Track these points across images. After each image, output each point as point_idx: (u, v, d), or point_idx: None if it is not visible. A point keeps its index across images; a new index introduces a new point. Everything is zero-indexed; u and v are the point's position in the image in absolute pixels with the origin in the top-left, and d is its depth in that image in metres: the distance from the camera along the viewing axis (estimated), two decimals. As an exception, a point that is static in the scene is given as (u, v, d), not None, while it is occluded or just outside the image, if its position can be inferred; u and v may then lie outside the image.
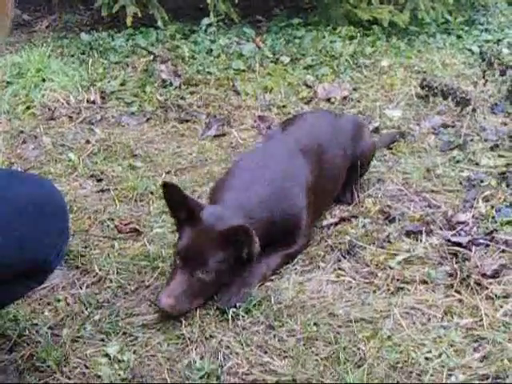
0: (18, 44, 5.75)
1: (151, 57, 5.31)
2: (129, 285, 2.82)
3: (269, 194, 2.94)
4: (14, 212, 2.08)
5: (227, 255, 2.70)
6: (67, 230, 2.30)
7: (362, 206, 3.37)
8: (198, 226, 2.73)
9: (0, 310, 2.49)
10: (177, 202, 2.78)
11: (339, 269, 2.91)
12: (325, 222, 3.23)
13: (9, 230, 2.02)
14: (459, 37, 6.29)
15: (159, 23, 5.86)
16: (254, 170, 3.06)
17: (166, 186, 2.80)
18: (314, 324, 2.54)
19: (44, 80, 4.83)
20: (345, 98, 4.78)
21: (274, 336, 2.50)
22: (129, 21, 5.73)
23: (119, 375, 2.34)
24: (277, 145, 3.29)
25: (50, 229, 2.09)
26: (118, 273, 2.88)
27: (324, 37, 5.80)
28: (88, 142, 4.15)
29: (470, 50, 5.90)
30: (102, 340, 2.51)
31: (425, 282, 2.81)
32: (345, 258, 2.97)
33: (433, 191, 3.52)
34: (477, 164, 3.82)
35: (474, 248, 2.98)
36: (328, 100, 4.74)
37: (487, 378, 2.31)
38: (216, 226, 2.72)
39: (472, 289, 2.74)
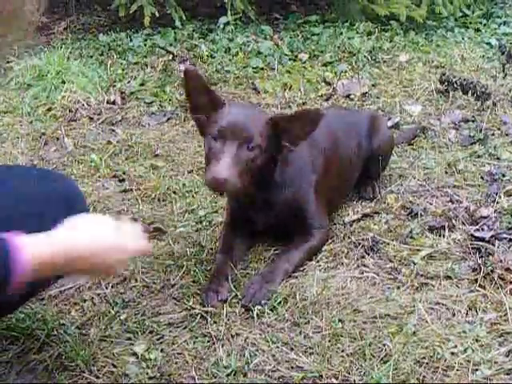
0: (37, 46, 5.78)
1: (170, 56, 5.35)
2: (154, 284, 2.84)
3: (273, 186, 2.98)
4: (44, 207, 2.12)
5: (271, 138, 2.79)
6: None
7: (384, 202, 3.37)
8: (238, 106, 2.83)
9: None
10: (199, 90, 2.81)
11: (363, 265, 2.92)
12: (347, 219, 3.24)
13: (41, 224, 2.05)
14: (477, 30, 6.28)
15: (177, 23, 5.89)
16: None
17: (187, 73, 2.82)
18: (339, 320, 2.55)
19: (64, 82, 4.86)
20: (364, 94, 4.78)
21: (300, 333, 2.51)
22: (146, 21, 5.76)
23: (147, 374, 2.36)
24: None
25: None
26: (143, 272, 2.90)
27: (342, 33, 5.82)
28: (109, 142, 4.17)
29: (488, 43, 5.89)
30: (129, 339, 2.53)
31: (449, 278, 2.81)
32: (368, 254, 2.98)
33: (455, 186, 3.52)
34: (498, 158, 3.81)
35: (497, 243, 2.97)
36: (347, 96, 4.75)
37: (513, 373, 2.32)
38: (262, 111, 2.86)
39: (496, 283, 2.74)
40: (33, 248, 1.87)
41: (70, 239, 1.96)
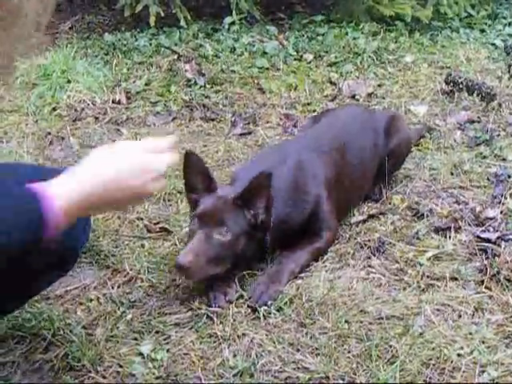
0: (43, 46, 5.78)
1: (175, 56, 5.34)
2: (160, 284, 2.83)
3: (284, 186, 2.97)
4: None
5: (244, 216, 2.77)
6: (89, 222, 2.38)
7: (390, 203, 3.37)
8: (212, 196, 2.80)
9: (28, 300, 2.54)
10: (196, 172, 2.84)
11: (369, 266, 2.92)
12: (353, 220, 3.24)
13: None
14: (482, 31, 6.28)
15: (182, 22, 5.88)
16: (271, 161, 3.06)
17: (188, 156, 2.84)
18: (346, 321, 2.55)
19: (69, 81, 4.86)
20: (370, 94, 4.79)
21: (306, 333, 2.51)
22: (152, 20, 5.76)
23: (153, 374, 2.36)
24: (298, 139, 3.33)
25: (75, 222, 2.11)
26: (148, 272, 2.90)
27: (347, 33, 5.82)
28: (115, 142, 4.16)
29: (493, 44, 5.89)
30: (136, 339, 2.52)
31: (455, 279, 2.81)
32: (374, 255, 2.98)
33: (460, 187, 3.53)
34: (504, 159, 3.81)
35: (503, 244, 2.98)
36: (353, 97, 4.75)
37: (520, 375, 2.31)
38: (230, 194, 2.80)
39: (502, 285, 2.74)
40: (63, 194, 1.89)
41: (94, 176, 1.96)
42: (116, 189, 1.99)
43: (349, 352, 2.42)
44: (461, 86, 4.59)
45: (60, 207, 1.88)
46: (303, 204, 3.00)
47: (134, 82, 5.03)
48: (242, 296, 2.72)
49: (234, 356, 2.42)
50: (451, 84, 4.67)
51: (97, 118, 4.55)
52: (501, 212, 3.22)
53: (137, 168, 2.03)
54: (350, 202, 3.33)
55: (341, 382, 2.30)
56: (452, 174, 3.66)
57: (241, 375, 2.35)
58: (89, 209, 1.99)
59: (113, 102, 4.75)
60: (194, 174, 2.85)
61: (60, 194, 1.89)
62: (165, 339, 2.53)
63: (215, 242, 2.70)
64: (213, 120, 4.48)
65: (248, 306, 2.66)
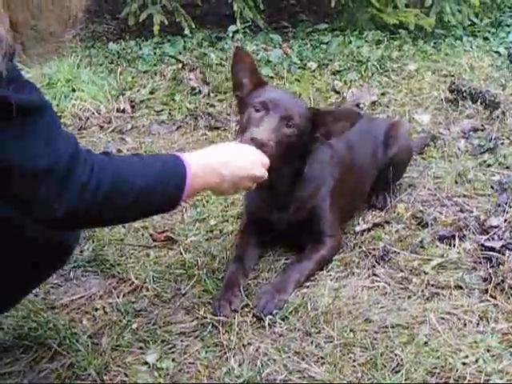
0: (47, 55, 5.78)
1: (179, 65, 5.35)
2: (165, 293, 2.84)
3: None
4: None
5: (308, 125, 2.86)
6: None
7: (395, 212, 3.37)
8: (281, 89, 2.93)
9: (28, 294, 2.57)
10: (245, 69, 2.91)
11: (374, 275, 2.93)
12: (358, 228, 3.25)
13: None
14: (486, 39, 6.29)
15: (186, 31, 5.89)
16: None
17: (237, 52, 2.94)
18: (351, 330, 2.56)
19: (74, 90, 4.87)
20: (373, 102, 4.79)
21: (311, 342, 2.52)
22: (156, 29, 5.77)
23: (159, 383, 2.37)
24: None
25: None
26: (154, 281, 2.90)
27: (351, 42, 5.83)
28: (120, 151, 4.18)
29: (497, 52, 5.89)
30: (141, 348, 2.53)
31: (459, 287, 2.81)
32: (379, 263, 2.99)
33: (464, 196, 3.53)
34: (508, 167, 3.82)
35: (507, 252, 2.97)
36: (357, 105, 4.75)
37: (525, 383, 2.32)
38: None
39: (507, 293, 2.75)
40: (194, 167, 2.24)
41: (214, 160, 2.38)
42: (233, 170, 2.43)
43: (354, 361, 2.42)
44: (464, 94, 4.60)
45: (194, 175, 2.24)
46: (310, 215, 3.05)
47: (138, 90, 5.05)
48: (247, 305, 2.72)
49: (240, 365, 2.43)
50: (455, 92, 4.68)
51: (102, 127, 4.56)
52: (505, 220, 3.22)
53: (255, 158, 2.55)
54: (351, 209, 3.34)
55: (346, 390, 2.31)
56: (456, 182, 3.67)
57: (246, 384, 2.36)
58: (209, 186, 2.38)
59: (117, 110, 4.76)
60: (243, 71, 2.91)
61: (193, 167, 2.24)
62: (170, 348, 2.53)
63: (282, 131, 2.78)
64: (217, 129, 4.49)
65: (253, 315, 2.66)
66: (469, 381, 2.32)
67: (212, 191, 2.56)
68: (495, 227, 3.17)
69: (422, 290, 2.79)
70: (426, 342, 2.49)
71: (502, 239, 3.07)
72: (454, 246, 3.08)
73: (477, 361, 2.40)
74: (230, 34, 5.95)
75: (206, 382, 2.36)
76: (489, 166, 3.85)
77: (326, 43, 5.89)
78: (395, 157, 3.47)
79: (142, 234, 3.28)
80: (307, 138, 2.87)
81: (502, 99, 4.60)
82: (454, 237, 3.12)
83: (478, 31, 6.43)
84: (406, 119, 4.49)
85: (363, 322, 2.61)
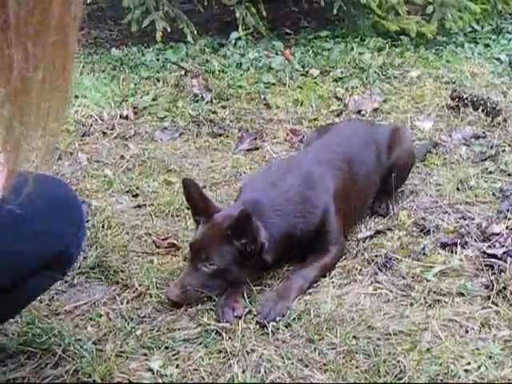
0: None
1: (182, 71, 5.37)
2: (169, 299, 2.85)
3: (290, 200, 3.00)
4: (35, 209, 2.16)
5: (232, 246, 2.81)
6: (83, 223, 2.39)
7: (397, 219, 3.38)
8: (208, 223, 2.87)
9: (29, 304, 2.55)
10: (195, 199, 2.94)
11: (376, 282, 2.93)
12: (360, 235, 3.26)
13: (32, 224, 2.11)
14: (487, 46, 6.30)
15: (188, 38, 5.91)
16: (278, 174, 3.12)
17: (185, 183, 2.95)
18: (354, 337, 2.57)
19: (77, 96, 4.88)
20: (375, 109, 4.80)
21: (315, 349, 2.53)
22: (158, 36, 5.79)
23: (163, 389, 2.38)
24: (306, 152, 3.36)
25: (68, 222, 2.18)
26: (157, 288, 2.91)
27: (352, 49, 5.85)
28: (123, 157, 4.20)
29: (498, 59, 5.90)
30: (145, 355, 2.54)
31: (461, 294, 2.82)
32: (381, 270, 3.00)
33: (466, 203, 3.54)
34: (509, 175, 3.83)
35: (509, 259, 2.98)
36: (359, 112, 4.77)
37: (527, 390, 2.33)
38: (223, 223, 2.84)
39: (509, 300, 2.75)
40: None
41: None
42: None
43: (357, 367, 2.43)
44: (466, 101, 4.62)
45: None
46: (311, 217, 3.03)
47: (141, 97, 5.06)
48: (250, 311, 2.74)
49: (243, 371, 2.44)
50: (456, 99, 4.69)
51: (105, 133, 4.57)
52: (507, 227, 3.23)
53: None
54: (355, 217, 3.35)
55: (349, 397, 2.32)
56: (458, 189, 3.68)
57: (250, 391, 2.37)
58: None
59: (120, 117, 4.77)
60: (194, 199, 2.95)
61: None
62: (174, 355, 2.54)
63: (202, 273, 2.80)
64: (220, 135, 4.50)
65: (257, 322, 2.67)
66: (471, 388, 2.33)
67: None
68: (497, 234, 3.18)
69: (425, 297, 2.80)
70: (428, 349, 2.50)
71: (503, 246, 3.08)
72: (456, 253, 3.09)
73: (479, 368, 2.41)
74: (233, 41, 5.97)
75: (209, 388, 2.38)
76: (490, 173, 3.86)
77: (328, 50, 5.91)
78: (398, 161, 3.48)
79: (146, 241, 3.29)
80: (241, 258, 2.85)
81: (504, 106, 4.61)
82: (455, 244, 3.13)
83: (480, 38, 6.45)
84: (408, 126, 4.50)
85: (366, 328, 2.62)
